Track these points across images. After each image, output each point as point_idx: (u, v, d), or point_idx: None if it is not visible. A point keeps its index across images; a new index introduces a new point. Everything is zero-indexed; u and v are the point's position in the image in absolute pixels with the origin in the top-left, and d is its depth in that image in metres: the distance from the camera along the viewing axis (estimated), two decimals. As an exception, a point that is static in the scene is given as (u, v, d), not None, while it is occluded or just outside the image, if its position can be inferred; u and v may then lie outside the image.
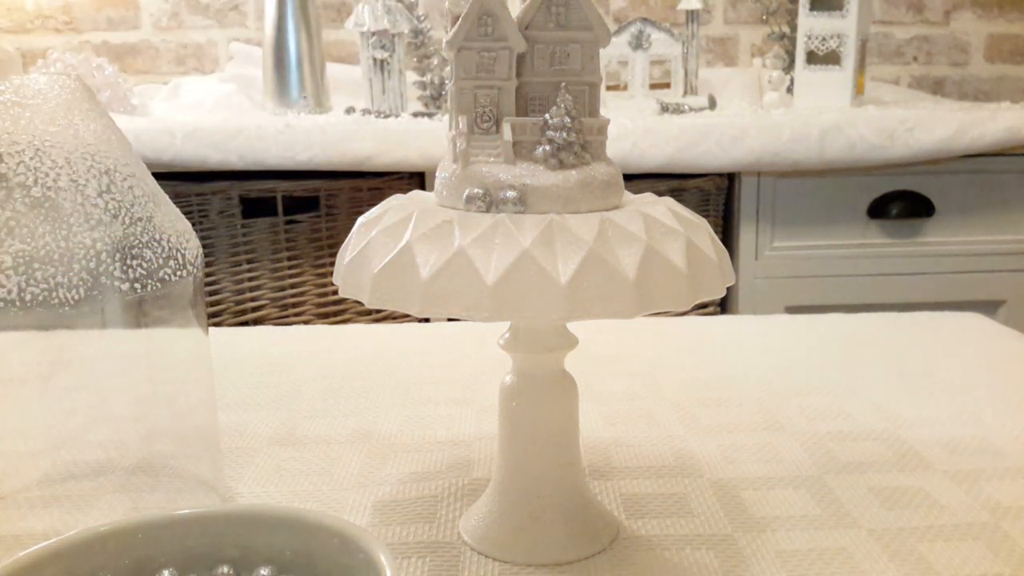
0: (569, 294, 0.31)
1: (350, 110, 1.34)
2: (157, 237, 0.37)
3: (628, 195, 0.38)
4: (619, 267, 0.32)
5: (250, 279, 1.25)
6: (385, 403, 0.56)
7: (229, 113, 1.37)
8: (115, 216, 0.35)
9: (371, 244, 0.34)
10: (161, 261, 0.36)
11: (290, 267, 1.26)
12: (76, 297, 0.33)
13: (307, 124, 1.17)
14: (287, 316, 1.27)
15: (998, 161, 1.25)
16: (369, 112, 1.31)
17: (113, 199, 0.35)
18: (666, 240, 0.33)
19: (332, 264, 1.26)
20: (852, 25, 1.33)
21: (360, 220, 0.36)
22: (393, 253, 0.33)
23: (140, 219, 0.36)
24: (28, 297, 0.32)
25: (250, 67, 1.50)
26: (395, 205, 0.36)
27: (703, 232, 0.36)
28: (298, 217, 1.24)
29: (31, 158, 0.34)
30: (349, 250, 0.36)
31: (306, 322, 1.27)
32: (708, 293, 0.34)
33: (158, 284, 0.36)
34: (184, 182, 1.17)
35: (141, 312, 0.37)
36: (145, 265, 0.35)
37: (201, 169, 1.15)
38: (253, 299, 1.25)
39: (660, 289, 0.33)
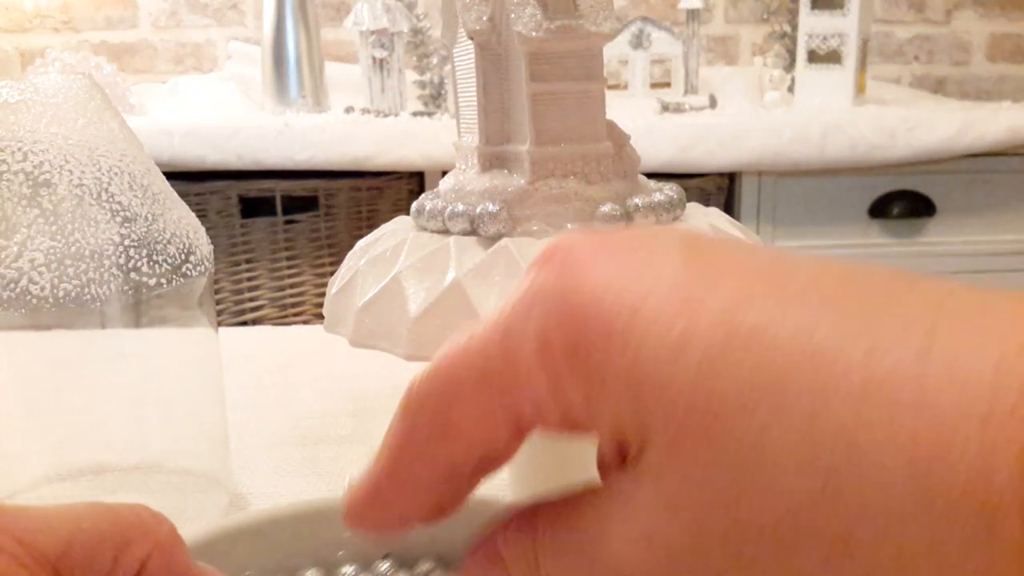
0: None
1: (349, 109, 1.33)
2: (177, 233, 0.37)
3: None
4: None
5: (249, 279, 1.24)
6: (385, 403, 0.55)
7: (228, 112, 1.37)
8: (138, 213, 0.35)
9: (359, 274, 0.31)
10: (183, 257, 0.36)
11: (289, 267, 1.26)
12: (107, 293, 0.33)
13: (306, 123, 1.17)
14: (286, 316, 1.27)
15: (1000, 161, 1.24)
16: (368, 111, 1.30)
17: (136, 196, 0.36)
18: None
19: (331, 264, 1.26)
20: (853, 24, 1.33)
21: (359, 243, 0.34)
22: (380, 286, 0.29)
23: (160, 215, 0.36)
24: (61, 294, 0.32)
25: (249, 66, 1.50)
26: (392, 230, 0.33)
27: None
28: (297, 217, 1.24)
29: (55, 156, 0.34)
30: (338, 279, 0.32)
31: (305, 322, 1.27)
32: None
33: (180, 279, 0.36)
34: (182, 182, 1.16)
35: (158, 308, 0.37)
36: (169, 261, 0.36)
37: (199, 169, 1.15)
38: (252, 299, 1.25)
39: None
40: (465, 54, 0.34)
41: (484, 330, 0.15)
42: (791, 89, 1.42)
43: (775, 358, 0.12)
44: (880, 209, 1.26)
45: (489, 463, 0.16)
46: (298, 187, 1.22)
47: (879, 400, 0.12)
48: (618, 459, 0.15)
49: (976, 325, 0.12)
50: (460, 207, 0.31)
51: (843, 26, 1.34)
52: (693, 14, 1.43)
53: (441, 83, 1.37)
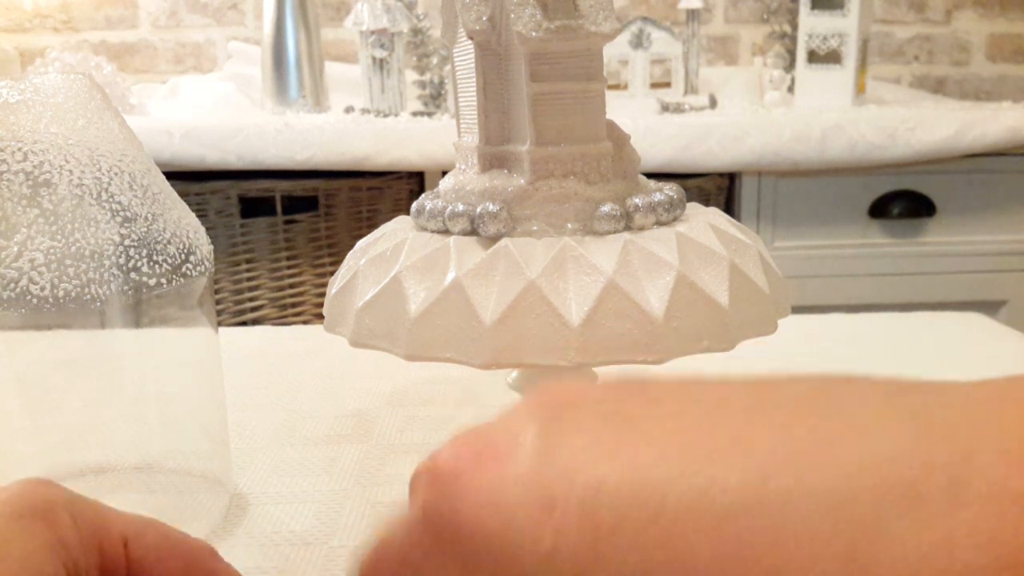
0: (583, 337, 0.26)
1: (349, 109, 1.33)
2: (177, 233, 0.37)
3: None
4: (644, 303, 0.26)
5: (249, 279, 1.24)
6: (385, 403, 0.55)
7: (228, 112, 1.37)
8: (138, 213, 0.35)
9: (359, 274, 0.31)
10: (183, 257, 0.36)
11: (289, 267, 1.26)
12: (107, 293, 0.33)
13: (306, 123, 1.17)
14: (286, 316, 1.27)
15: (1000, 161, 1.24)
16: (368, 111, 1.30)
17: (136, 196, 0.36)
18: (704, 267, 0.28)
19: (331, 264, 1.26)
20: (853, 24, 1.33)
21: (359, 243, 0.34)
22: (380, 286, 0.29)
23: (160, 215, 0.36)
24: (61, 294, 0.32)
25: (249, 66, 1.50)
26: (392, 230, 0.32)
27: (752, 255, 0.30)
28: (297, 217, 1.24)
29: (55, 156, 0.34)
30: (338, 279, 0.32)
31: (305, 322, 1.27)
32: (756, 330, 0.28)
33: (180, 279, 0.36)
34: (182, 181, 1.16)
35: (158, 308, 0.37)
36: (169, 261, 0.36)
37: (199, 169, 1.15)
38: (252, 299, 1.25)
39: (694, 329, 0.27)
40: (465, 54, 0.34)
41: (381, 545, 0.17)
42: (791, 89, 1.42)
43: (631, 559, 0.13)
44: (880, 209, 1.26)
45: None
46: (298, 187, 1.22)
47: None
48: None
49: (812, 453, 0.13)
50: (460, 207, 0.31)
51: (843, 26, 1.34)
52: (693, 14, 1.43)
53: (441, 83, 1.37)
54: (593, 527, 0.13)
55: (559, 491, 0.14)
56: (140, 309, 0.37)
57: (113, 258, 0.34)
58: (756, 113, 1.28)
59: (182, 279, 0.36)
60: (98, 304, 0.34)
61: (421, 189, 1.27)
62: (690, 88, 1.45)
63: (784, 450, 0.13)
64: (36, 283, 0.33)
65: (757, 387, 0.15)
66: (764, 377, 0.15)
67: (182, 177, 1.16)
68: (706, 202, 1.39)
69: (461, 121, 0.36)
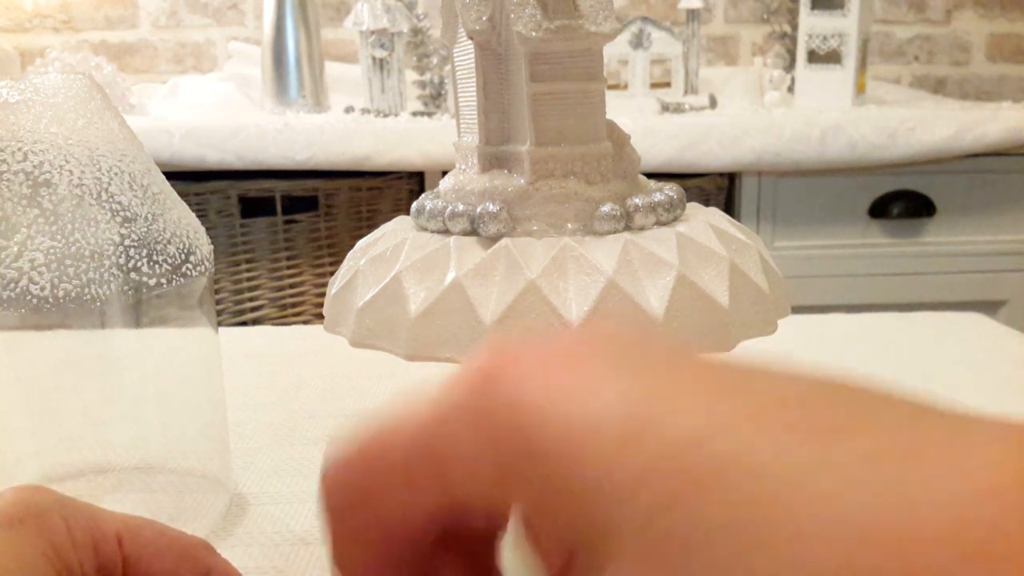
0: None
1: (349, 109, 1.33)
2: (177, 233, 0.37)
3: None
4: (644, 303, 0.27)
5: (249, 279, 1.24)
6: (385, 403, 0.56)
7: (228, 112, 1.37)
8: (138, 213, 0.35)
9: (359, 274, 0.31)
10: (183, 257, 0.36)
11: (289, 267, 1.26)
12: (107, 293, 0.33)
13: (306, 123, 1.17)
14: (286, 316, 1.27)
15: (1000, 161, 1.25)
16: (368, 111, 1.30)
17: (136, 196, 0.36)
18: (704, 267, 0.28)
19: (331, 264, 1.26)
20: (853, 24, 1.33)
21: (359, 243, 0.34)
22: (380, 286, 0.29)
23: (160, 215, 0.36)
24: (61, 294, 0.33)
25: (249, 66, 1.50)
26: (392, 230, 0.32)
27: (752, 255, 0.30)
28: (297, 217, 1.24)
29: (55, 156, 0.34)
30: (338, 279, 0.32)
31: (305, 322, 1.27)
32: (756, 331, 0.28)
33: (180, 279, 0.36)
34: (182, 181, 1.16)
35: (158, 308, 0.37)
36: (169, 261, 0.36)
37: (199, 168, 1.15)
38: (252, 299, 1.25)
39: (695, 329, 0.27)
40: (465, 54, 0.34)
41: (429, 409, 0.15)
42: (791, 89, 1.42)
43: (743, 494, 0.12)
44: (880, 209, 1.26)
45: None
46: (298, 187, 1.22)
47: (858, 543, 0.11)
48: (562, 568, 0.14)
49: (949, 457, 0.11)
50: (460, 207, 0.31)
51: (843, 26, 1.34)
52: (693, 14, 1.43)
53: (441, 83, 1.37)
54: (695, 460, 0.12)
55: (646, 432, 0.13)
56: (140, 309, 0.37)
57: (113, 258, 0.34)
58: (756, 113, 1.28)
59: (182, 279, 0.36)
60: (98, 304, 0.34)
61: (421, 189, 1.27)
62: (690, 88, 1.44)
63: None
64: (36, 283, 0.33)
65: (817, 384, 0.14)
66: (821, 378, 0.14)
67: (182, 177, 1.16)
68: (706, 202, 1.38)
69: (461, 121, 0.36)
